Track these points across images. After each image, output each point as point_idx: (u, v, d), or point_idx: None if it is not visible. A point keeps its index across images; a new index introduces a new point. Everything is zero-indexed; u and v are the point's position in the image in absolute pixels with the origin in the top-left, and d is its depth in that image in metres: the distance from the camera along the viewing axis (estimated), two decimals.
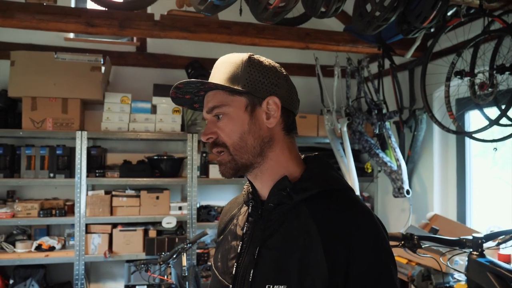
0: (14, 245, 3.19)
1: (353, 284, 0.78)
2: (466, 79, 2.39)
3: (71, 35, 3.66)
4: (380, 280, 0.79)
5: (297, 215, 0.85)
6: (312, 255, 0.79)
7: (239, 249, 0.90)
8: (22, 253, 3.14)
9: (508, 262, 2.28)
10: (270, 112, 0.88)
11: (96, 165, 3.37)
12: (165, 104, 3.48)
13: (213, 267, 0.97)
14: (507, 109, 2.18)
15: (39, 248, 3.17)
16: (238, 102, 0.87)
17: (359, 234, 0.80)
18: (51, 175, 3.25)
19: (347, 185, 0.90)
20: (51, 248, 3.19)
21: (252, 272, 0.84)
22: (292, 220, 0.85)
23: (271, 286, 0.81)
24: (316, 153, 0.98)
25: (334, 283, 0.78)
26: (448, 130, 2.57)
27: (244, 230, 0.92)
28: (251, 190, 0.95)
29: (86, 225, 3.22)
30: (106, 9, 2.60)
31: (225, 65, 0.90)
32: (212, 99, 0.89)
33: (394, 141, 3.08)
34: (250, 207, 0.93)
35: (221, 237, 1.01)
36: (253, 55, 0.91)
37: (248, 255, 0.87)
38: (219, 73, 0.90)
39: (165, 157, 3.52)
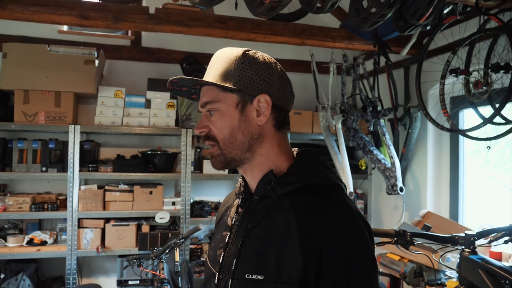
0: (5, 239, 3.16)
1: (323, 283, 0.79)
2: (461, 77, 2.40)
3: (65, 28, 3.62)
4: (349, 282, 0.79)
5: (280, 208, 0.87)
6: (289, 247, 0.82)
7: (227, 239, 0.93)
8: (14, 247, 3.11)
9: (499, 260, 2.30)
10: (261, 109, 0.89)
11: (89, 160, 3.35)
12: (159, 98, 3.45)
13: (206, 256, 1.02)
14: (501, 107, 2.19)
15: (30, 242, 3.15)
16: (229, 98, 0.89)
17: (333, 235, 0.80)
18: (44, 169, 3.22)
19: (332, 180, 0.89)
20: (43, 243, 3.17)
21: (235, 261, 0.87)
22: (275, 212, 0.87)
23: (250, 275, 0.84)
24: (309, 148, 0.98)
25: (307, 276, 0.79)
26: (442, 128, 2.58)
27: (233, 221, 0.96)
28: (243, 183, 0.97)
29: (79, 219, 3.20)
30: (100, 1, 2.57)
31: (220, 61, 0.91)
32: (206, 93, 0.91)
33: (388, 138, 3.09)
34: (240, 200, 0.96)
35: (216, 228, 1.06)
36: (248, 50, 0.91)
37: (234, 245, 0.91)
38: (214, 69, 0.92)
39: (159, 152, 3.50)
